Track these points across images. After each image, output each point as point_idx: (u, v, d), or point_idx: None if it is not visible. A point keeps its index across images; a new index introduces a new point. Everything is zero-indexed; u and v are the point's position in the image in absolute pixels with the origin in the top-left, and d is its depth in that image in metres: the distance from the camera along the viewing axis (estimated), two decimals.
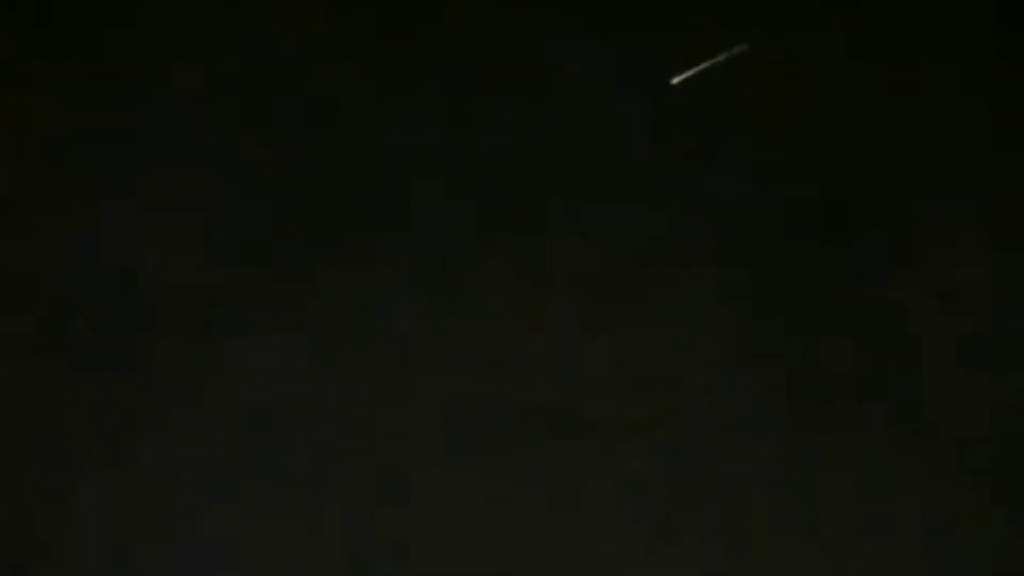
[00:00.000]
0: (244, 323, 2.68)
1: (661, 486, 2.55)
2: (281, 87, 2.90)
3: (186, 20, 2.94)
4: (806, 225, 2.78)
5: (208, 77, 2.89)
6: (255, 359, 2.65)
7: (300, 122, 2.87)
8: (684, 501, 2.54)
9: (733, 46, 2.88)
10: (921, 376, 2.63)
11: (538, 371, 2.65)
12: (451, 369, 2.64)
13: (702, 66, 2.79)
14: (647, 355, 2.66)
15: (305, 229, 2.77)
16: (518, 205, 2.79)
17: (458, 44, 2.93)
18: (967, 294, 2.71)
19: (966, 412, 2.60)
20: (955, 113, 2.87)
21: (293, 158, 2.84)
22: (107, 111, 2.86)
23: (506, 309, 2.70)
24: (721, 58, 2.82)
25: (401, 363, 2.65)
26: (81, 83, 2.89)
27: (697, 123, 2.87)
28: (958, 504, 2.52)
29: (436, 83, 2.90)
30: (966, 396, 2.61)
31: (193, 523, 2.50)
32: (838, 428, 2.59)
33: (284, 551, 2.49)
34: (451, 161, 2.83)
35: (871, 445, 2.58)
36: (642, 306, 2.70)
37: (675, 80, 2.74)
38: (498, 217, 2.78)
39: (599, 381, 2.64)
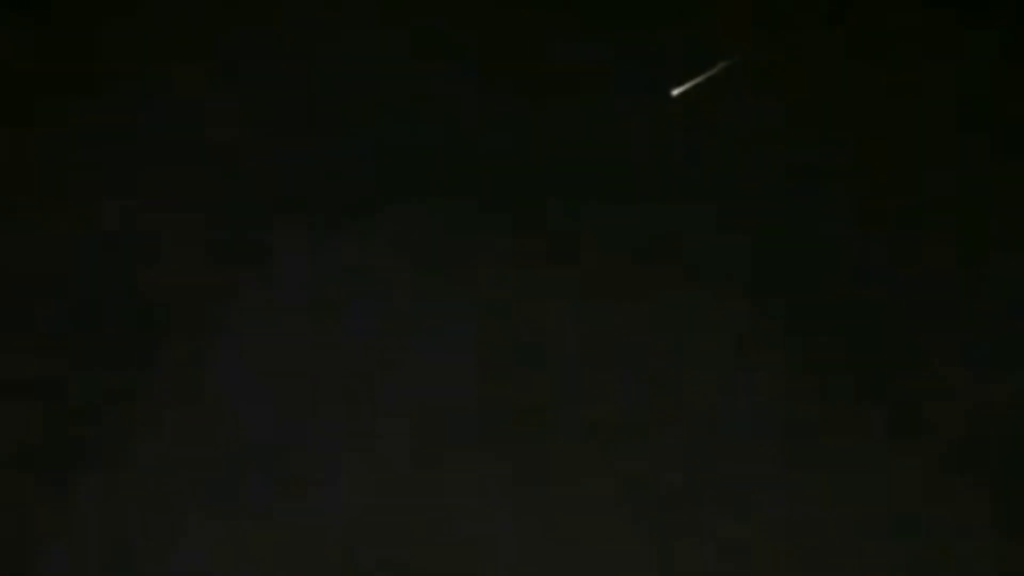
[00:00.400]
0: (244, 323, 2.68)
1: (661, 486, 2.55)
2: (281, 87, 2.90)
3: (186, 20, 2.94)
4: (806, 225, 2.78)
5: (208, 77, 2.89)
6: (255, 359, 2.65)
7: (300, 122, 2.87)
8: (684, 501, 2.54)
9: (732, 50, 2.88)
10: (921, 376, 2.63)
11: (538, 371, 2.65)
12: (451, 369, 2.64)
13: (702, 77, 2.79)
14: (647, 355, 2.66)
15: (305, 229, 2.77)
16: (518, 205, 2.79)
17: (458, 44, 2.93)
18: (967, 294, 2.71)
19: (966, 412, 2.60)
20: (955, 113, 2.87)
21: (293, 158, 2.83)
22: (107, 111, 2.86)
23: (506, 309, 2.70)
24: (721, 66, 2.82)
25: (401, 363, 2.65)
26: (81, 83, 2.88)
27: (697, 123, 2.87)
28: (958, 504, 2.53)
29: (436, 83, 2.90)
30: (966, 396, 2.61)
31: (193, 523, 2.50)
32: (838, 428, 2.59)
33: (284, 551, 2.49)
34: (451, 161, 2.83)
35: (871, 445, 2.58)
36: (642, 306, 2.70)
37: (675, 92, 2.75)
38: (498, 217, 2.78)
39: (599, 381, 2.64)
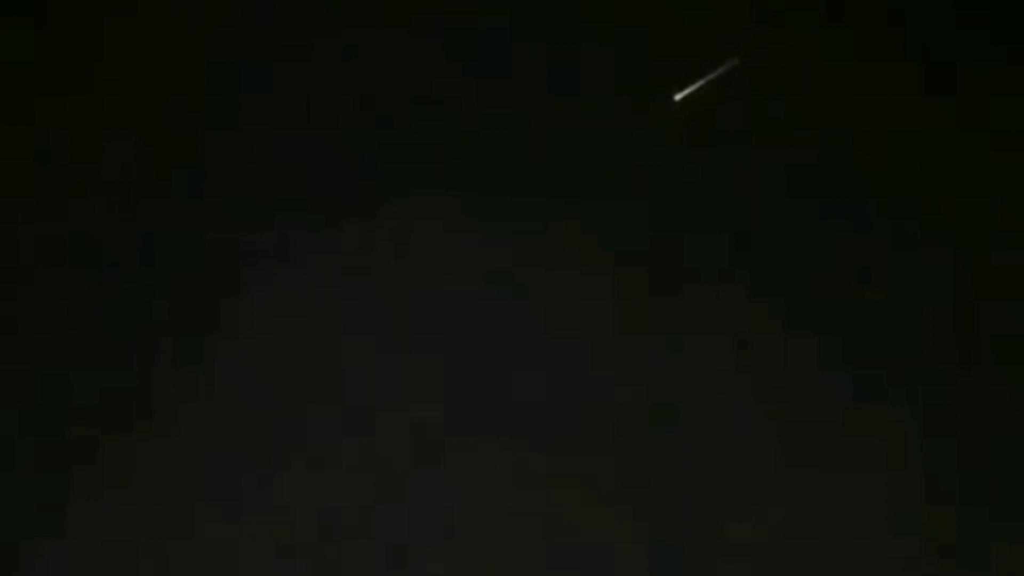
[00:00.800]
0: (244, 323, 2.68)
1: (661, 486, 2.55)
2: (280, 86, 2.90)
3: (186, 20, 2.94)
4: (806, 225, 2.78)
5: (208, 77, 2.89)
6: (255, 359, 2.65)
7: (299, 122, 2.87)
8: (684, 501, 2.54)
9: (733, 51, 2.88)
10: (921, 376, 2.63)
11: (538, 370, 2.65)
12: (451, 368, 2.64)
13: (703, 80, 2.79)
14: (647, 355, 2.66)
15: (304, 229, 2.77)
16: (518, 205, 2.79)
17: (460, 44, 2.93)
18: (967, 293, 2.71)
19: (966, 412, 2.60)
20: (955, 112, 2.87)
21: (292, 158, 2.83)
22: (107, 111, 2.86)
23: (506, 309, 2.70)
24: (723, 70, 2.82)
25: (400, 363, 2.65)
26: (81, 83, 2.88)
27: (697, 123, 2.87)
28: (958, 504, 2.53)
29: (436, 82, 2.90)
30: (966, 396, 2.61)
31: (193, 523, 2.51)
32: (838, 428, 2.59)
33: (284, 551, 2.49)
34: (451, 161, 2.83)
35: (871, 445, 2.58)
36: (642, 307, 2.70)
37: (677, 96, 2.75)
38: (498, 216, 2.78)
39: (598, 381, 2.64)
